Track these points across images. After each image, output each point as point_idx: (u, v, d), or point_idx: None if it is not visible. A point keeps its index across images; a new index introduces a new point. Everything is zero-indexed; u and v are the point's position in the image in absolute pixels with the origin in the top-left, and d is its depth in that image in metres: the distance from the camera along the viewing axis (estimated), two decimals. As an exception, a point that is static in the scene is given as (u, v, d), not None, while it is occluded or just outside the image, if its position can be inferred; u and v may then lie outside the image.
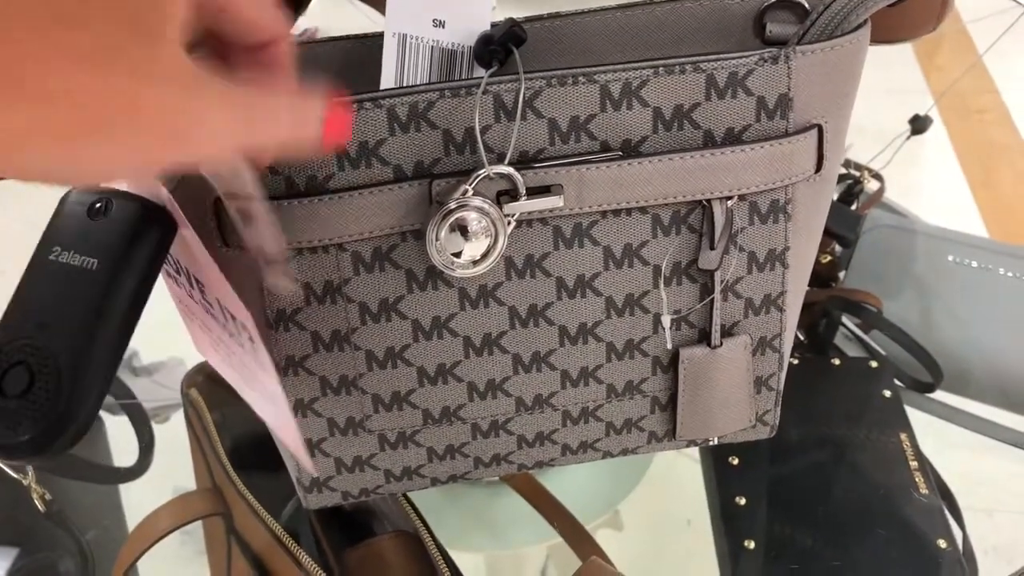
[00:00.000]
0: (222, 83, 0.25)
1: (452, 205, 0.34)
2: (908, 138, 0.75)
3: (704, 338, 0.41)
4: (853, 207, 0.74)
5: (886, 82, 0.95)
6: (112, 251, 0.31)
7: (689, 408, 0.43)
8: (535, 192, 0.36)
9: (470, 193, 0.34)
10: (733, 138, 0.37)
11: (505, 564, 0.74)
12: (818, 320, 0.66)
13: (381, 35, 0.37)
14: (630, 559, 0.58)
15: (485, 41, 0.35)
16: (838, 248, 0.70)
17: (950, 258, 0.70)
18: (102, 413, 0.71)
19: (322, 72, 0.41)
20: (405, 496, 0.50)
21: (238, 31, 0.28)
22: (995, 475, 0.68)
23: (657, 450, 0.46)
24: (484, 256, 0.35)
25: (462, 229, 0.35)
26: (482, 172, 0.34)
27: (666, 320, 0.40)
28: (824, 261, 0.68)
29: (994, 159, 1.08)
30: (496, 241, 0.35)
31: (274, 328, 0.38)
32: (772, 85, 0.36)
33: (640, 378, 0.42)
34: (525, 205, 0.36)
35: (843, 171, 0.75)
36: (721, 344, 0.41)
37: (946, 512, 0.57)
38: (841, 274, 0.70)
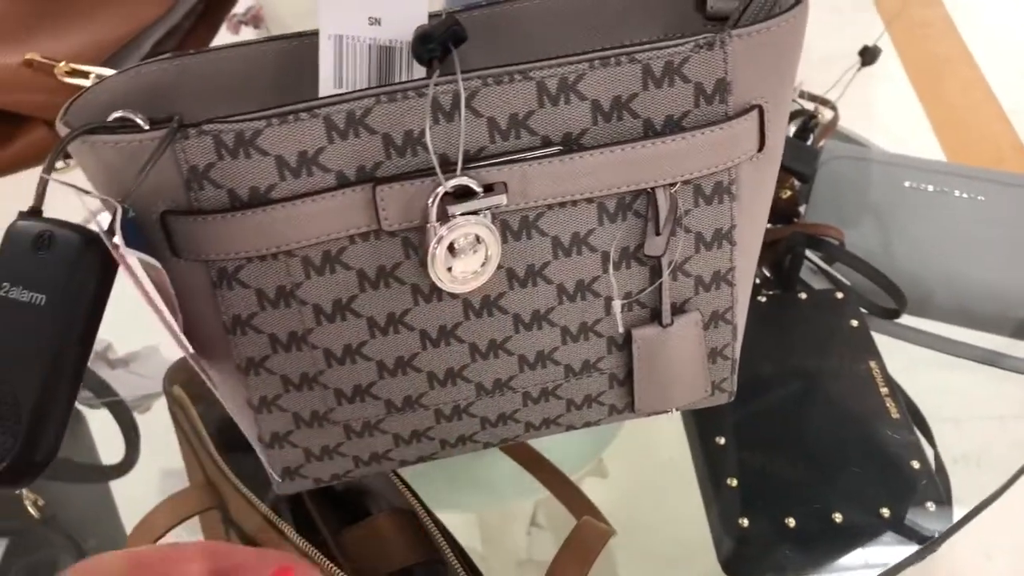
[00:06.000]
0: None
1: (443, 232, 0.35)
2: (858, 70, 0.75)
3: (656, 317, 0.42)
4: (809, 141, 0.74)
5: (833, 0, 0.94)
6: (59, 286, 0.32)
7: (645, 383, 0.44)
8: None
9: (433, 217, 0.35)
10: (673, 125, 0.37)
11: (495, 519, 0.75)
12: (783, 256, 0.67)
13: (316, 33, 0.37)
14: (618, 504, 0.59)
15: (423, 39, 0.34)
16: (798, 183, 0.70)
17: (907, 184, 0.71)
18: (83, 408, 0.71)
19: (258, 76, 0.40)
20: (396, 473, 0.51)
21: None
22: (961, 386, 0.70)
23: (619, 420, 0.46)
24: (483, 266, 0.37)
25: (451, 248, 0.36)
26: (440, 190, 0.35)
27: (616, 305, 0.41)
28: (785, 197, 0.69)
29: (941, 73, 1.08)
30: (488, 251, 0.37)
31: (231, 333, 0.38)
32: (709, 71, 0.36)
33: (596, 357, 0.43)
34: (470, 205, 0.36)
35: (796, 105, 0.75)
36: (672, 323, 0.42)
37: (917, 432, 0.59)
38: (802, 208, 0.71)
